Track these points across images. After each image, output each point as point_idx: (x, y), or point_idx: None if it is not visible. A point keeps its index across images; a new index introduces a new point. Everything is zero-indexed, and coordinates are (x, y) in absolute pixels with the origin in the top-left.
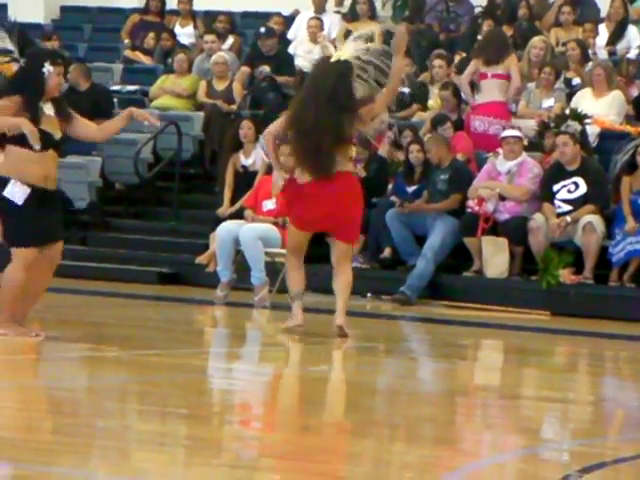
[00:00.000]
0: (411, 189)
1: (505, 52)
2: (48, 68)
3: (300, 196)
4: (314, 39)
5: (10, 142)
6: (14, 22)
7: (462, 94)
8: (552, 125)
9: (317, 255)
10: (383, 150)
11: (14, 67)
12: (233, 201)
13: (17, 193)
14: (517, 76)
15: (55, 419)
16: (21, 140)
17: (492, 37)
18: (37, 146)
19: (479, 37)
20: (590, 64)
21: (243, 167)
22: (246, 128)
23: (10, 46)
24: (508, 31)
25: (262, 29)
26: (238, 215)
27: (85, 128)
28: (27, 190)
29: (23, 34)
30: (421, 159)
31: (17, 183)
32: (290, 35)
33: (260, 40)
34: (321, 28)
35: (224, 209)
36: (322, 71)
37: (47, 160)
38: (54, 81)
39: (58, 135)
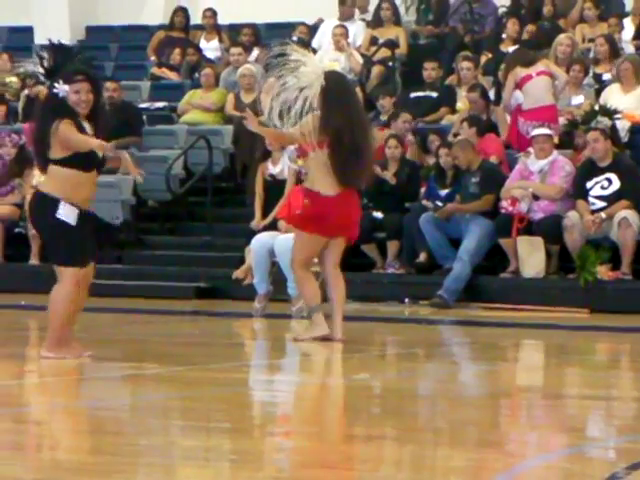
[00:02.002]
0: (444, 193)
1: (537, 51)
2: (62, 87)
3: (329, 206)
4: (339, 47)
5: (58, 164)
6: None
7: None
8: (581, 122)
9: (354, 264)
10: (410, 154)
11: (44, 91)
12: (265, 211)
13: (69, 214)
14: (559, 70)
15: (99, 439)
16: (69, 161)
17: (519, 50)
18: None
19: (504, 36)
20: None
21: (271, 176)
22: None
23: (38, 69)
24: (534, 29)
25: (295, 38)
26: (272, 226)
27: None
28: (76, 211)
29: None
30: (451, 163)
31: (67, 205)
32: (314, 44)
33: None
34: (346, 36)
35: (257, 222)
36: (348, 84)
37: (92, 181)
38: (71, 99)
39: (100, 154)
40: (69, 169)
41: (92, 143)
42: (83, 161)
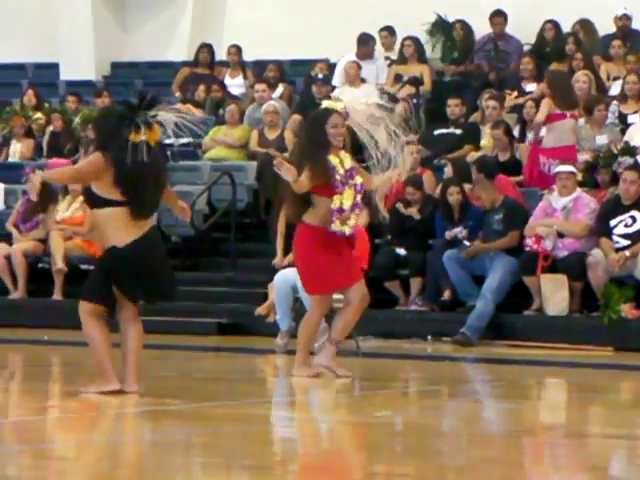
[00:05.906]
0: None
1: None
2: None
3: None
4: (352, 82)
5: None
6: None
7: (515, 133)
8: (602, 165)
9: (377, 300)
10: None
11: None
12: (288, 249)
13: None
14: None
15: (120, 475)
16: None
17: (567, 86)
18: None
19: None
20: None
21: None
22: None
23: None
24: (559, 67)
25: (320, 75)
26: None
27: None
28: None
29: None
30: (460, 200)
31: None
32: (335, 81)
33: (316, 86)
34: (358, 70)
35: (278, 260)
36: None
37: None
38: None
39: None
40: None
41: None
42: None
